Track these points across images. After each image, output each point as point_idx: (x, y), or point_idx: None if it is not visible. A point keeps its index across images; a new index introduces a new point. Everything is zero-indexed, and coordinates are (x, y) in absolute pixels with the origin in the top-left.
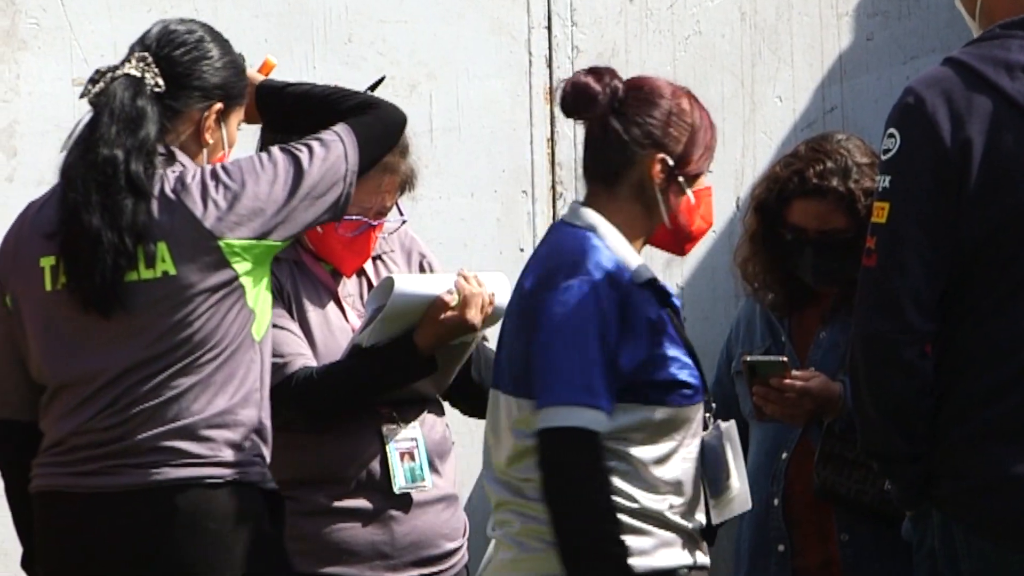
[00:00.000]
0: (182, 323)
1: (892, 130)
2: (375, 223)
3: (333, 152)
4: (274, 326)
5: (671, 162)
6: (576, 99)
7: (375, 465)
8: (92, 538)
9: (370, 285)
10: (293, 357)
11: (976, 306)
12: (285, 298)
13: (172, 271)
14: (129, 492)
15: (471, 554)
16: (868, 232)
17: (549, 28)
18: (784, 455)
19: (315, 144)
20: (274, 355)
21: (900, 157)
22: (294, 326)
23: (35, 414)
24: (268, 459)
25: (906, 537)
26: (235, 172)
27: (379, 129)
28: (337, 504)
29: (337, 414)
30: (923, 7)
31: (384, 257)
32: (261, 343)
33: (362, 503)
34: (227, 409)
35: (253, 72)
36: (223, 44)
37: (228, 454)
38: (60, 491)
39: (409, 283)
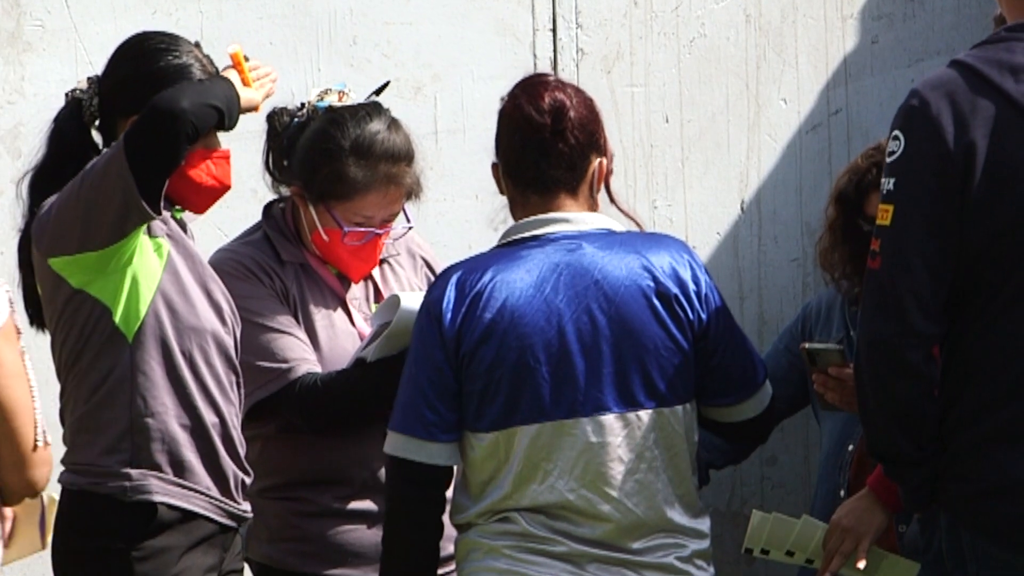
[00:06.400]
0: None
1: (897, 132)
2: (381, 231)
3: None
4: (278, 331)
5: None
6: None
7: (380, 467)
8: None
9: (376, 289)
10: (297, 363)
11: (983, 310)
12: (291, 301)
13: None
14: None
15: None
16: (873, 235)
17: (554, 30)
18: (850, 447)
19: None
20: (278, 360)
21: (904, 160)
22: (299, 331)
23: None
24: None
25: (913, 539)
26: None
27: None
28: (342, 506)
29: (338, 424)
30: (928, 10)
31: (391, 260)
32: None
33: (367, 505)
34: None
35: (229, 72)
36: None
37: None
38: None
39: (415, 300)
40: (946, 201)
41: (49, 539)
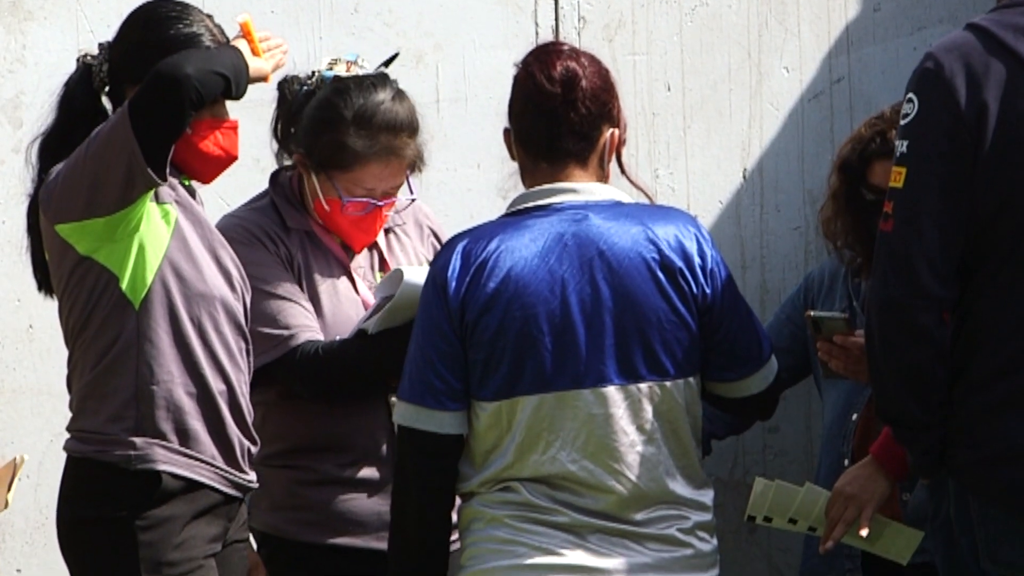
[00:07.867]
0: None
1: (911, 95)
2: (381, 203)
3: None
4: (282, 297)
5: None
6: None
7: (382, 435)
8: None
9: (381, 257)
10: (298, 330)
11: (994, 275)
12: (295, 268)
13: None
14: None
15: None
16: (886, 197)
17: None
18: (854, 416)
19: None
20: (280, 327)
21: (918, 122)
22: (302, 298)
23: None
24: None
25: (921, 506)
26: None
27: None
28: (344, 474)
29: (336, 393)
30: None
31: (396, 230)
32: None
33: (369, 473)
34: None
35: (238, 42)
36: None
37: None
38: None
39: (418, 275)
40: (959, 164)
41: (10, 496)
